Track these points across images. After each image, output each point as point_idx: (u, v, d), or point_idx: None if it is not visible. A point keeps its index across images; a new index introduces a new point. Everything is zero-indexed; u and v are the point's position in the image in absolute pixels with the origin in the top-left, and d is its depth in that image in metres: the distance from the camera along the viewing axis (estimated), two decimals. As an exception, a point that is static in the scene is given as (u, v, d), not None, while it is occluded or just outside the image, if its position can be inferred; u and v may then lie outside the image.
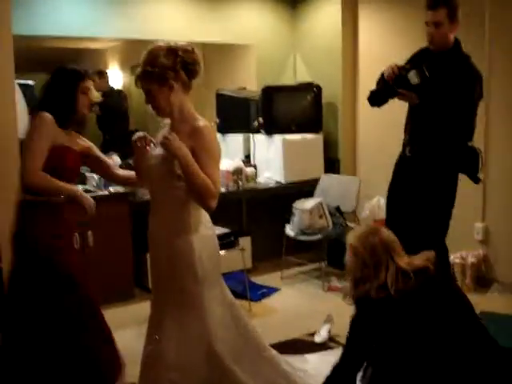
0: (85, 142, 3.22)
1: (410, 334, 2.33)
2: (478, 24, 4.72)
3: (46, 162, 2.99)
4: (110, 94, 5.73)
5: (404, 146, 3.88)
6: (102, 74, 5.67)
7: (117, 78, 5.95)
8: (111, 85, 5.83)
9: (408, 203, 3.80)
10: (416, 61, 3.74)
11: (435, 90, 3.59)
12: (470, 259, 4.83)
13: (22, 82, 4.55)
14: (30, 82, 4.67)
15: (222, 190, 4.84)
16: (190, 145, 2.47)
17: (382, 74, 3.74)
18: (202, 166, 2.46)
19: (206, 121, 2.60)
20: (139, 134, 2.69)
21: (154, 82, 2.51)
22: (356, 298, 2.54)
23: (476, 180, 3.70)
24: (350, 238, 2.57)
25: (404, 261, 2.48)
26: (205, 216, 2.69)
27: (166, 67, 2.50)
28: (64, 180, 3.02)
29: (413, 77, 3.58)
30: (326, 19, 6.03)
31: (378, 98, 3.88)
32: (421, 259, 2.51)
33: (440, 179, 3.71)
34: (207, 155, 2.49)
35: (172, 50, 2.53)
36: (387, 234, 2.55)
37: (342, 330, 3.94)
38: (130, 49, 5.87)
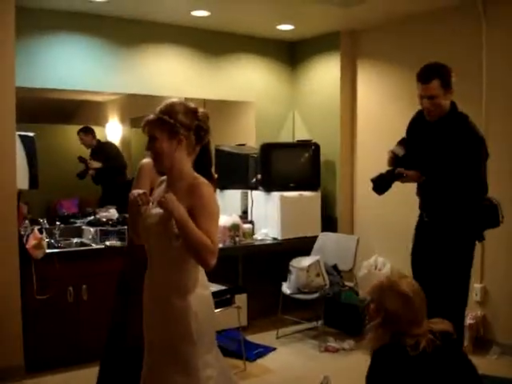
0: None
1: None
2: (476, 84, 4.79)
3: None
4: (101, 147, 5.76)
5: (421, 210, 3.88)
6: (88, 131, 5.68)
7: (116, 130, 5.99)
8: (100, 138, 5.81)
9: (431, 268, 3.75)
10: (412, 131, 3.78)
11: (439, 160, 3.61)
12: (469, 321, 4.77)
13: (23, 133, 4.55)
14: (30, 134, 4.68)
15: (219, 245, 4.79)
16: (187, 203, 2.45)
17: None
18: (199, 223, 2.43)
19: (204, 179, 2.58)
20: (138, 191, 2.65)
21: (164, 131, 2.51)
22: (381, 349, 2.47)
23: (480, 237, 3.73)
24: (397, 284, 2.53)
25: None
26: (202, 275, 2.64)
27: (182, 124, 2.53)
28: None
29: (398, 150, 3.69)
30: (324, 78, 6.13)
31: (383, 184, 3.81)
32: (442, 323, 2.51)
33: (460, 242, 3.67)
34: (205, 213, 2.46)
35: (193, 112, 2.57)
36: None
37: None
38: (130, 102, 5.93)
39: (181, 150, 2.55)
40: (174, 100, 2.61)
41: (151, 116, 2.54)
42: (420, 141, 3.74)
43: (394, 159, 3.75)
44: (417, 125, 3.84)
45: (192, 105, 2.61)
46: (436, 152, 3.64)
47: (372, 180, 3.81)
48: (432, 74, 3.55)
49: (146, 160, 3.29)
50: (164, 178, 2.70)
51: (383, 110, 5.66)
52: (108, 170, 5.73)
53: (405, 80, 5.43)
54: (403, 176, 3.71)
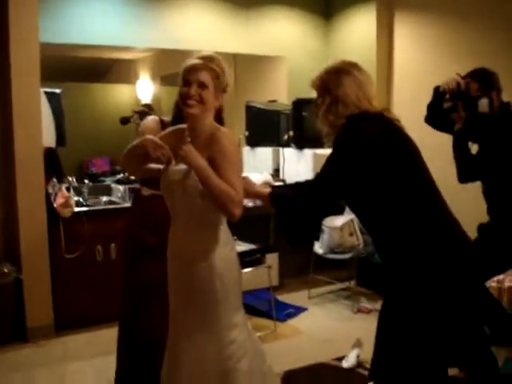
0: None
1: None
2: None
3: None
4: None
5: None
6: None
7: (147, 88, 5.90)
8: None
9: None
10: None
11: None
12: (507, 283, 4.60)
13: (49, 90, 4.47)
14: (57, 91, 4.61)
15: (250, 204, 4.68)
16: (207, 153, 2.38)
17: (437, 88, 3.54)
18: (221, 173, 2.35)
19: (225, 128, 2.51)
20: (162, 149, 2.38)
21: (214, 84, 2.47)
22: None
23: None
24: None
25: None
26: (227, 234, 2.57)
27: (225, 85, 2.53)
28: None
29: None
30: (360, 30, 5.88)
31: (435, 116, 3.57)
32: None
33: None
34: (226, 162, 2.39)
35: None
36: None
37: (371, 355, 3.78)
38: (160, 59, 5.84)
39: (214, 107, 2.52)
40: (217, 55, 2.55)
41: (204, 63, 2.45)
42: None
43: (458, 94, 3.48)
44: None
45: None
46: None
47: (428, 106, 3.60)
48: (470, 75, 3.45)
49: (153, 118, 3.05)
50: (169, 130, 2.55)
51: (422, 64, 5.40)
52: None
53: (446, 31, 5.15)
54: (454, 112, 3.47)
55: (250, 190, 2.48)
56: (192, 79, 2.44)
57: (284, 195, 2.44)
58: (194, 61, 2.46)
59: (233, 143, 2.48)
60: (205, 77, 2.44)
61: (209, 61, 2.46)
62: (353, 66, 2.46)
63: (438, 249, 2.26)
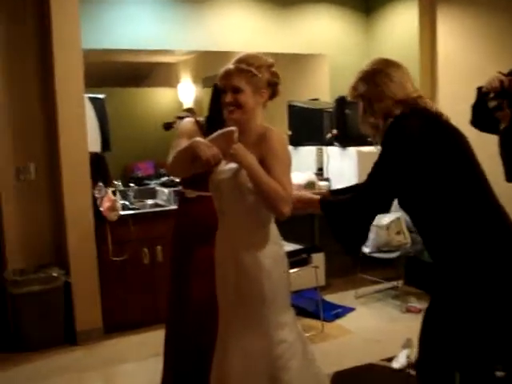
0: None
1: None
2: None
3: None
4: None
5: None
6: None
7: (188, 91, 5.91)
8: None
9: None
10: None
11: None
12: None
13: (93, 95, 4.53)
14: (101, 96, 4.65)
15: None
16: (258, 152, 2.37)
17: (479, 89, 3.44)
18: (270, 171, 2.34)
19: (274, 128, 2.49)
20: (212, 150, 2.38)
21: (250, 84, 2.44)
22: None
23: None
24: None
25: None
26: (275, 234, 2.56)
27: (265, 79, 2.47)
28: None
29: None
30: (401, 26, 5.79)
31: (480, 117, 3.40)
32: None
33: None
34: (275, 160, 2.38)
35: (271, 67, 2.51)
36: None
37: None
38: (201, 62, 5.84)
39: (260, 104, 2.49)
40: (256, 53, 2.52)
41: (235, 66, 2.44)
42: None
43: (503, 93, 3.35)
44: None
45: (270, 59, 2.52)
46: None
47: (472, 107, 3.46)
48: None
49: (189, 119, 3.17)
50: (218, 132, 2.56)
51: (467, 58, 5.28)
52: None
53: (491, 25, 5.03)
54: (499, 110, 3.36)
55: (302, 197, 2.48)
56: (226, 86, 2.44)
57: (332, 201, 2.43)
58: (225, 67, 2.46)
59: (283, 142, 2.47)
60: (237, 81, 2.42)
61: (239, 62, 2.44)
62: (384, 64, 2.39)
63: (490, 246, 2.19)
